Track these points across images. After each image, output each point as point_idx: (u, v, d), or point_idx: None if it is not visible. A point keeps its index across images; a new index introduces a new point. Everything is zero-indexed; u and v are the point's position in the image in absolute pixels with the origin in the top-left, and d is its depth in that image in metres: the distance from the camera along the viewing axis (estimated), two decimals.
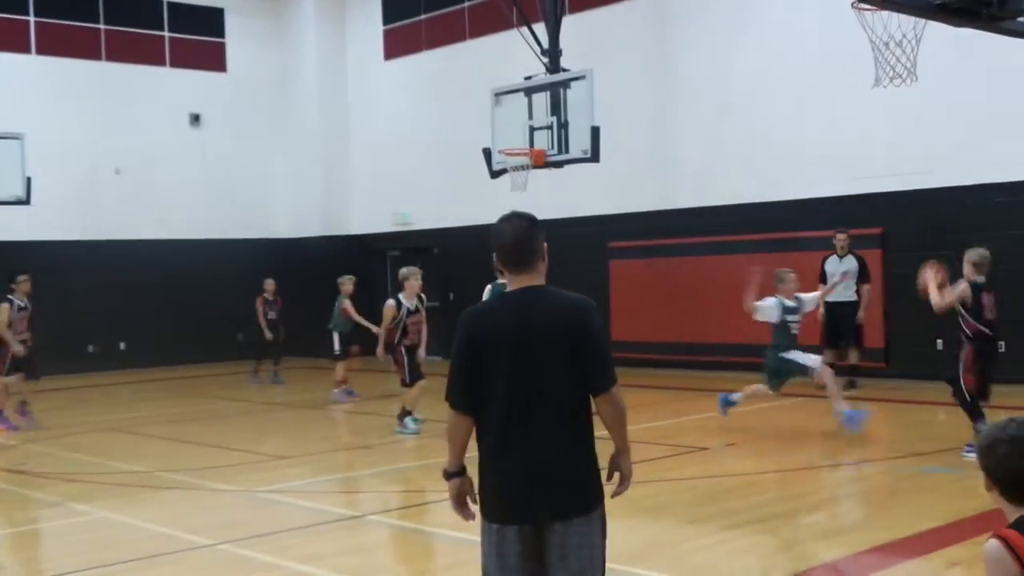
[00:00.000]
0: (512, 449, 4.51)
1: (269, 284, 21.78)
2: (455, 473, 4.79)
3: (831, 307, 16.87)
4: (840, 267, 16.88)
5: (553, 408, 4.51)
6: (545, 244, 4.73)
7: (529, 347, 4.50)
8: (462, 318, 4.69)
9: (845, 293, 16.80)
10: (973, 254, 11.87)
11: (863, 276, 17.01)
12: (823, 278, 16.91)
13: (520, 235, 4.71)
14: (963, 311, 11.49)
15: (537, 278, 4.68)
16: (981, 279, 11.64)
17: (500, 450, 4.53)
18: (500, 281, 16.09)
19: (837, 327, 16.98)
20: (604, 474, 4.72)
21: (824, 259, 17.21)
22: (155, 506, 10.62)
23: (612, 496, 4.74)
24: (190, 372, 24.28)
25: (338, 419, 16.95)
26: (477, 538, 8.51)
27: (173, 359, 25.40)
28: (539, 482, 4.49)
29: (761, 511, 9.29)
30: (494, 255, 4.75)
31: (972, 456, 11.03)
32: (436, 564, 8.50)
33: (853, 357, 17.04)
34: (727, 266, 20.09)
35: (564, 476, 4.51)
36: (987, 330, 11.53)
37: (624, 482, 4.80)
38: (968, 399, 11.60)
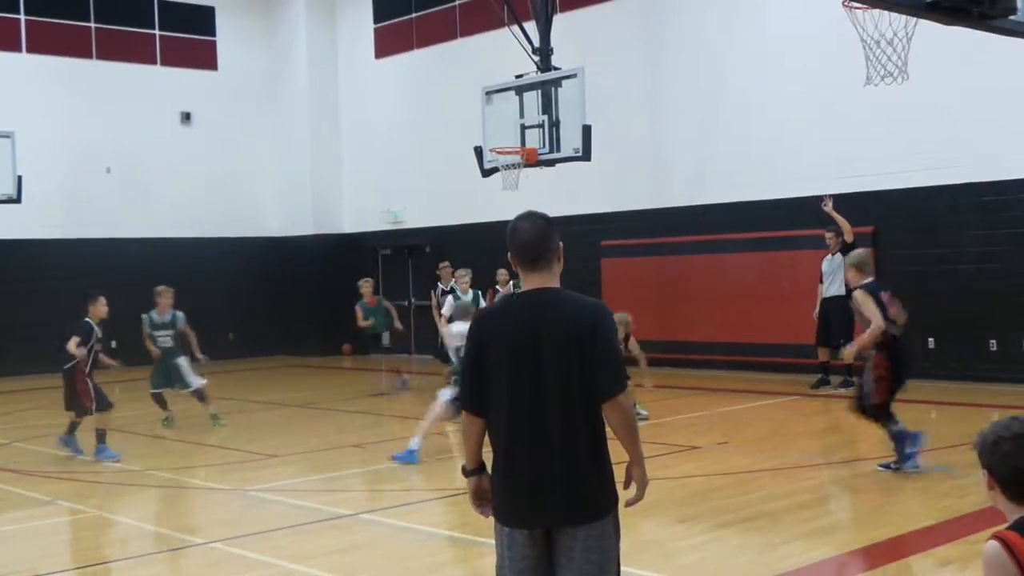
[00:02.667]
0: (521, 452, 4.49)
1: (503, 275, 19.02)
2: (473, 471, 4.77)
3: (823, 303, 16.86)
4: (831, 265, 16.84)
5: (561, 412, 4.45)
6: (560, 244, 4.68)
7: (537, 350, 4.46)
8: (473, 319, 4.80)
9: (833, 288, 16.71)
10: (853, 257, 11.34)
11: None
12: (821, 278, 16.95)
13: (537, 234, 4.61)
14: (863, 319, 10.71)
15: (552, 279, 4.62)
16: (870, 279, 10.89)
17: (509, 453, 4.51)
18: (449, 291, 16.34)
19: (829, 324, 16.86)
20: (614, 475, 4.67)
21: (822, 259, 17.16)
22: (147, 505, 10.61)
23: (626, 505, 4.70)
24: None
25: (329, 418, 16.92)
26: (468, 536, 8.53)
27: None
28: (548, 487, 4.45)
29: (752, 509, 9.29)
30: (508, 254, 4.67)
31: (887, 471, 10.60)
32: (427, 563, 8.49)
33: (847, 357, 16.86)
34: (719, 264, 20.13)
35: (574, 481, 4.45)
36: (892, 331, 10.60)
37: (639, 491, 4.73)
38: (875, 412, 10.83)
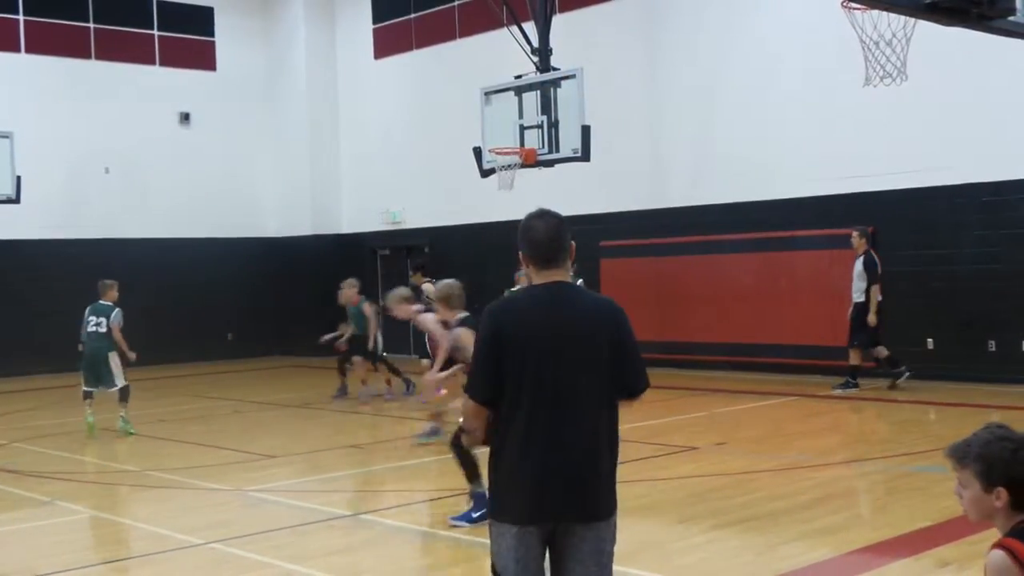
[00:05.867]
0: (539, 447, 4.37)
1: (349, 292, 18.65)
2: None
3: (855, 307, 16.54)
4: (856, 267, 16.58)
5: (583, 408, 4.40)
6: (573, 243, 4.64)
7: (560, 345, 4.40)
8: (488, 311, 4.54)
9: (859, 295, 16.49)
10: (439, 290, 10.08)
11: (870, 277, 16.42)
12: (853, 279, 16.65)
13: (552, 232, 4.57)
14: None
15: (565, 275, 4.59)
16: (464, 313, 9.56)
17: (526, 448, 4.37)
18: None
19: (853, 328, 16.63)
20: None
21: (853, 260, 16.87)
22: (146, 505, 10.60)
23: None
24: (180, 371, 24.22)
25: (327, 418, 16.92)
26: (467, 536, 8.52)
27: (163, 358, 25.29)
28: (567, 482, 4.37)
29: (751, 510, 9.29)
30: (521, 251, 4.61)
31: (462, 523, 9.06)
32: (426, 563, 8.49)
33: (852, 358, 16.62)
34: (718, 265, 20.13)
35: (590, 478, 4.40)
36: None
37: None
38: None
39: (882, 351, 16.66)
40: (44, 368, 23.44)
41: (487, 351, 4.46)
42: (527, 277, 4.66)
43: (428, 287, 16.80)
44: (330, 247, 27.38)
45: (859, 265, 16.58)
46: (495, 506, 4.54)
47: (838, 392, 16.46)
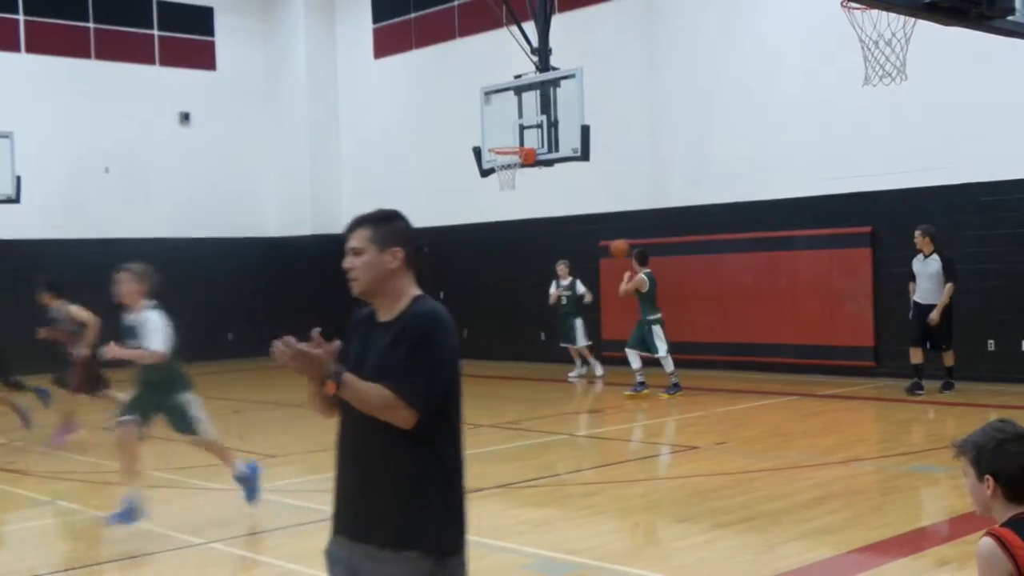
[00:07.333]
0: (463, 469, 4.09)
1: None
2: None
3: (919, 308, 15.88)
4: (924, 267, 15.90)
5: None
6: None
7: None
8: (448, 318, 4.02)
9: (931, 296, 15.78)
10: None
11: (949, 276, 15.71)
12: (912, 277, 16.11)
13: None
14: None
15: None
16: None
17: (461, 471, 4.07)
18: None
19: (924, 328, 15.93)
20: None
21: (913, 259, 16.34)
22: (146, 505, 10.60)
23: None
24: None
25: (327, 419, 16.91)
26: (469, 538, 8.50)
27: None
28: None
29: (751, 510, 9.29)
30: (408, 253, 4.17)
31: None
32: None
33: (947, 359, 16.09)
34: (717, 265, 20.13)
35: None
36: None
37: None
38: None
39: (920, 356, 16.21)
40: (43, 368, 23.40)
41: (455, 364, 3.98)
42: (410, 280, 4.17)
43: (78, 310, 15.58)
44: (330, 247, 27.29)
45: (933, 265, 15.83)
46: (459, 537, 4.08)
47: (946, 395, 15.92)
